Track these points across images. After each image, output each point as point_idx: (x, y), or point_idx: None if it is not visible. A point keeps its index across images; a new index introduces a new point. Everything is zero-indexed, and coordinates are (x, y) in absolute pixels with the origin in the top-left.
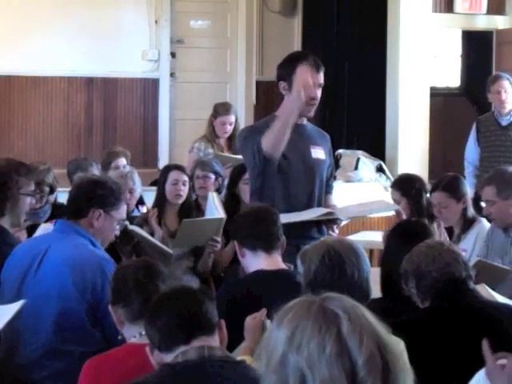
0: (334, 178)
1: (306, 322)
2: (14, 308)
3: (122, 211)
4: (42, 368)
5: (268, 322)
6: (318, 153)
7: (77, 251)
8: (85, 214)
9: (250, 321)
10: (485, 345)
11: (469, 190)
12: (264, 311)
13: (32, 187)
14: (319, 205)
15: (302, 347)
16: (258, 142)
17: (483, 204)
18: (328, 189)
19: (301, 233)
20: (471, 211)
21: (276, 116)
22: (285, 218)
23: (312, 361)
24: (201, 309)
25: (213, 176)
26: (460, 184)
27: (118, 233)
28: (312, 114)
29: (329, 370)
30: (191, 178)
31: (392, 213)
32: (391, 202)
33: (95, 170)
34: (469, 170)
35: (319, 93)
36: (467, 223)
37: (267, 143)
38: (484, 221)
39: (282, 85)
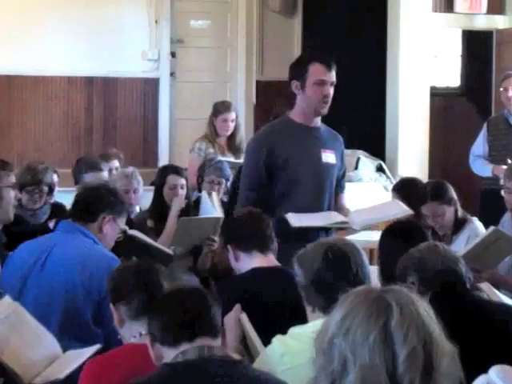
0: None
1: (359, 308)
2: (86, 353)
3: (124, 221)
4: None
5: (243, 315)
6: (329, 157)
7: (85, 250)
8: (95, 218)
9: (227, 320)
10: None
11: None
12: (238, 306)
13: (13, 179)
14: (329, 208)
15: (350, 332)
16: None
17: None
18: (340, 189)
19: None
20: (461, 211)
21: (289, 118)
22: (296, 221)
23: (356, 346)
24: (209, 311)
25: (224, 181)
26: (446, 188)
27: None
28: (326, 111)
29: (370, 357)
30: (198, 178)
31: None
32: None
33: (106, 171)
34: (472, 159)
35: (332, 90)
36: (458, 224)
37: None
38: (476, 220)
39: (295, 84)
